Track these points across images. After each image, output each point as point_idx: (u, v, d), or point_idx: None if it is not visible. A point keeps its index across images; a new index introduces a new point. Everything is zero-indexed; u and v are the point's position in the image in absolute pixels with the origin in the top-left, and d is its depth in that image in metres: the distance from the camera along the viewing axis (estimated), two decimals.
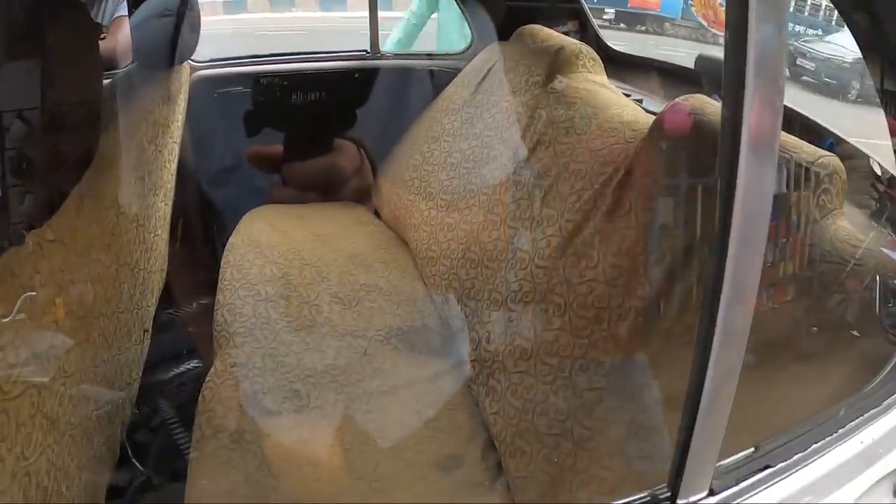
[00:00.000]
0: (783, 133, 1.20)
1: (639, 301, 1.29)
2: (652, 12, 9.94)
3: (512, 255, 1.59)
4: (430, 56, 2.82)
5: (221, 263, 2.06)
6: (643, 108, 1.69)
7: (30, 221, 1.33)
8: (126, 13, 2.32)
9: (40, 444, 1.21)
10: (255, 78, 2.53)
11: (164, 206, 2.01)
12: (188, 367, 2.22)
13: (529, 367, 1.44)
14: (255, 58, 2.75)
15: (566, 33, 2.39)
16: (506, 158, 1.79)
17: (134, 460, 1.72)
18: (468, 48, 2.73)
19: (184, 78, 2.21)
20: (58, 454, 1.27)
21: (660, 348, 1.25)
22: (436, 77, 2.65)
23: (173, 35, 2.05)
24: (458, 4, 2.73)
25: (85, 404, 1.42)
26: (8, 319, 1.15)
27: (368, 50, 2.70)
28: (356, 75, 2.62)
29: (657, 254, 1.29)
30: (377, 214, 2.42)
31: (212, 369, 1.66)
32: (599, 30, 2.60)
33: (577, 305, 1.40)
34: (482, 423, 1.55)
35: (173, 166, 2.07)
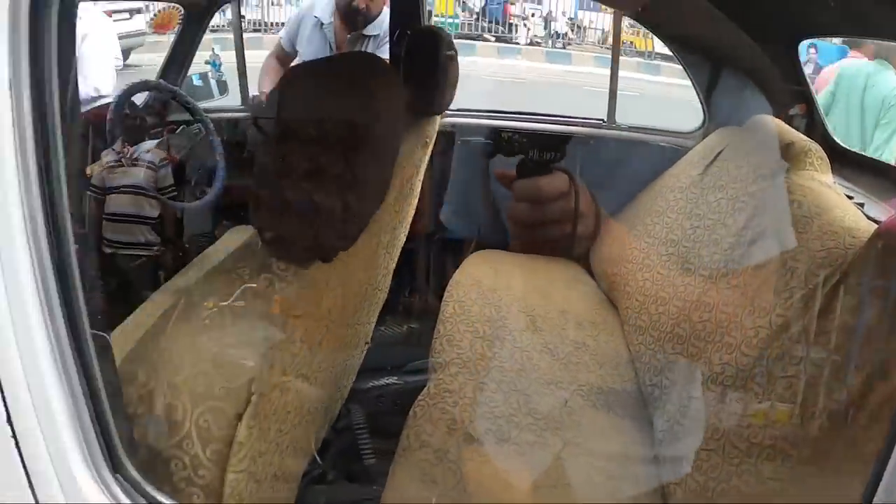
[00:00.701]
0: None
1: (834, 404, 1.30)
2: None
3: (720, 338, 1.62)
4: (661, 132, 2.91)
5: (444, 296, 2.23)
6: (864, 214, 1.69)
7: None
8: (387, 57, 2.59)
9: (291, 421, 1.40)
10: (496, 131, 2.73)
11: (402, 236, 2.21)
12: (387, 381, 2.41)
13: (718, 447, 1.47)
14: (498, 112, 2.97)
15: (792, 116, 2.43)
16: (726, 244, 1.83)
17: (314, 453, 1.91)
18: (700, 128, 2.81)
19: (437, 125, 2.44)
20: (297, 433, 1.46)
21: (845, 452, 1.27)
22: (665, 153, 2.72)
23: (436, 87, 2.25)
24: (693, 85, 2.82)
25: (319, 396, 1.60)
26: (227, 303, 1.31)
27: (605, 119, 2.86)
28: (591, 142, 2.77)
29: (859, 361, 1.30)
30: (591, 273, 2.51)
31: (425, 390, 1.82)
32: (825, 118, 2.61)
33: (775, 397, 1.42)
34: (662, 489, 1.60)
35: (415, 202, 2.29)
